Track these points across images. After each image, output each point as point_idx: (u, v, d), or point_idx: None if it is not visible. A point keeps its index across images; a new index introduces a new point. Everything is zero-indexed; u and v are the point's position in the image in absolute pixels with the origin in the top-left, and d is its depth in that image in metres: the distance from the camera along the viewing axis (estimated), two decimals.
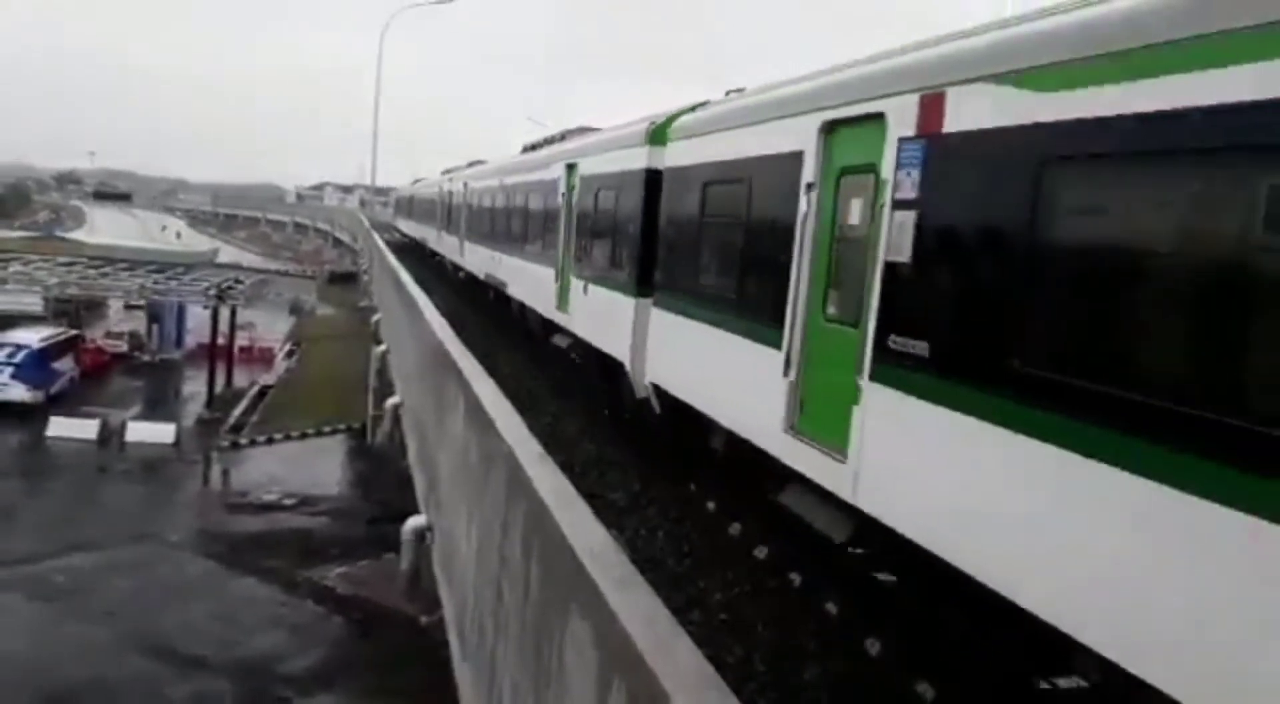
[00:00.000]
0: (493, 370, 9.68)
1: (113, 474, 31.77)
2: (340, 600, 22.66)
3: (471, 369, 8.77)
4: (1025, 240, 4.57)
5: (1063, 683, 5.54)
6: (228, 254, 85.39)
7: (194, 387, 43.07)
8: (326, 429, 36.28)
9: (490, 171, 23.75)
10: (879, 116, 5.87)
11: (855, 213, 6.20)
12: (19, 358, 37.44)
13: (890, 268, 5.59)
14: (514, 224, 18.35)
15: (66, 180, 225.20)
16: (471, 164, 31.21)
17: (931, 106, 5.39)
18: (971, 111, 5.06)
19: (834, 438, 6.08)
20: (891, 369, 5.53)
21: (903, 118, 5.61)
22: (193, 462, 33.56)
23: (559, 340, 14.19)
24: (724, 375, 8.03)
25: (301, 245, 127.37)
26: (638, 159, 10.70)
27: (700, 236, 8.87)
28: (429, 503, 11.91)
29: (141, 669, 19.01)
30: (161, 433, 35.02)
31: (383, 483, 27.20)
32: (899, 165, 5.60)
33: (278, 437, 35.65)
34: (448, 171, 35.91)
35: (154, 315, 49.01)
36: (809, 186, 6.73)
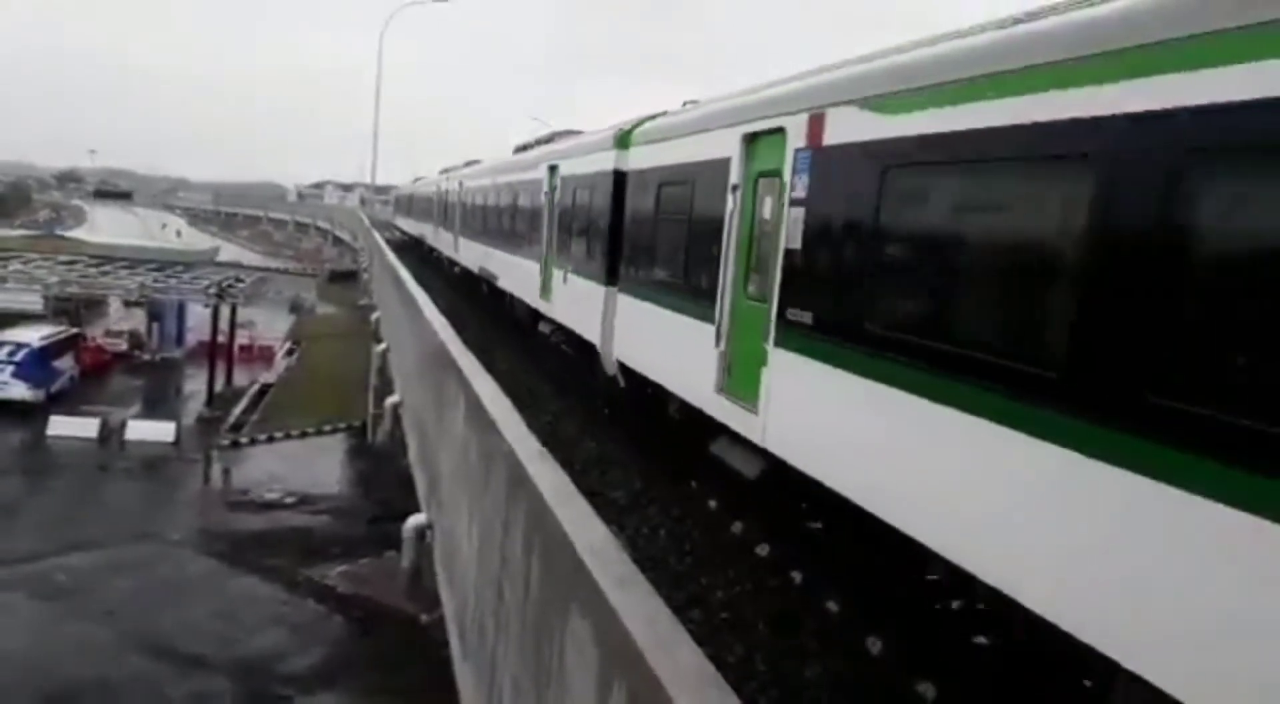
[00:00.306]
0: (491, 368, 9.68)
1: (113, 473, 31.78)
2: (341, 599, 22.67)
3: (471, 367, 8.76)
4: (872, 230, 5.91)
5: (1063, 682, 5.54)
6: (229, 252, 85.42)
7: (194, 385, 43.09)
8: (327, 428, 36.31)
9: (483, 171, 25.13)
10: (781, 131, 7.18)
11: (767, 209, 7.49)
12: (19, 356, 37.44)
13: (788, 254, 6.90)
14: (504, 221, 19.66)
15: (67, 179, 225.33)
16: (468, 164, 32.20)
17: (816, 124, 6.70)
18: (842, 129, 6.38)
19: (749, 395, 7.45)
20: (788, 335, 6.85)
21: (797, 132, 6.93)
22: (193, 460, 33.58)
23: (544, 327, 15.56)
24: (673, 350, 9.28)
25: (302, 244, 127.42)
26: (607, 162, 11.96)
27: (655, 231, 10.12)
28: (430, 501, 11.91)
29: (142, 668, 19.01)
30: (161, 431, 35.04)
31: (383, 481, 27.23)
32: (794, 170, 6.89)
33: (278, 435, 35.68)
34: (445, 171, 36.83)
35: (154, 314, 49.02)
36: (734, 187, 8.02)
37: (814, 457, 6.50)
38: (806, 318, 6.60)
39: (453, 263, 29.64)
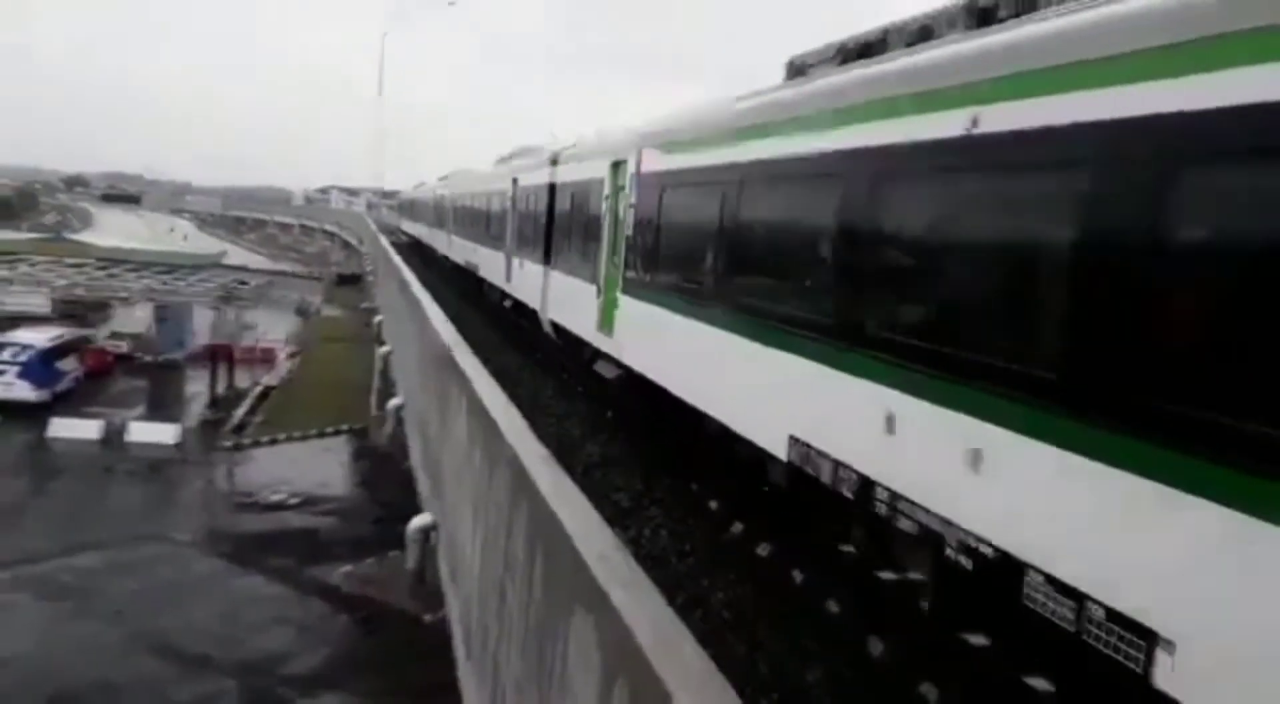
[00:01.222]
0: (494, 372, 9.71)
1: (117, 474, 31.85)
2: (345, 600, 22.69)
3: (475, 371, 8.80)
4: (661, 222, 9.76)
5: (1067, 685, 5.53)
6: (235, 256, 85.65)
7: (197, 387, 43.19)
8: (329, 430, 36.36)
9: (467, 181, 29.59)
10: (625, 161, 11.18)
11: (621, 210, 11.21)
12: (25, 357, 37.60)
13: (628, 238, 10.69)
14: (482, 222, 23.62)
15: (75, 183, 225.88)
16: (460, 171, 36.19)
17: (639, 157, 10.62)
18: (649, 161, 10.33)
19: (611, 328, 11.22)
20: (627, 286, 10.64)
21: (633, 162, 10.82)
22: (196, 462, 33.63)
23: (507, 303, 19.97)
24: (576, 305, 13.05)
25: (308, 248, 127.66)
26: (545, 176, 15.92)
27: (570, 225, 14.05)
28: (433, 503, 11.94)
29: (147, 669, 19.04)
30: (164, 433, 35.13)
31: (387, 483, 27.24)
32: (631, 186, 10.79)
33: (281, 437, 35.73)
34: (443, 178, 40.31)
35: (160, 317, 49.16)
36: (605, 196, 11.91)
37: (641, 360, 10.21)
38: (635, 275, 10.40)
39: (447, 259, 32.79)
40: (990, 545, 4.60)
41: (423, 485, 13.48)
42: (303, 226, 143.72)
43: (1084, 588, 3.99)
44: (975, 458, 4.69)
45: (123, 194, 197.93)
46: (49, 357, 38.90)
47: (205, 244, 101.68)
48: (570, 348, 14.09)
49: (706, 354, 8.23)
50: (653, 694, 3.03)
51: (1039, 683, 5.43)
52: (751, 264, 7.68)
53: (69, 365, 40.88)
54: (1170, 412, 3.65)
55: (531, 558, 5.20)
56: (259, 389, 42.80)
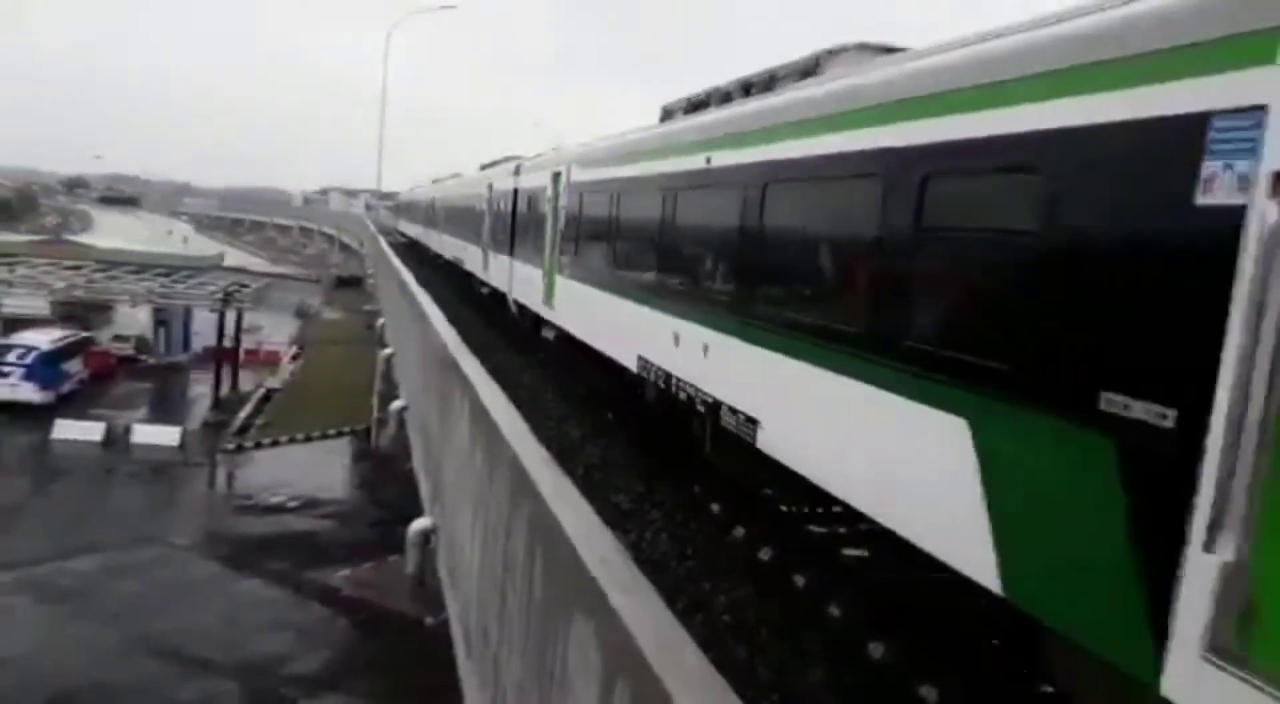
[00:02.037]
0: (495, 374, 9.71)
1: (119, 476, 31.88)
2: (345, 602, 22.70)
3: (476, 373, 8.80)
4: (577, 220, 13.22)
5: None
6: (234, 258, 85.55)
7: (200, 390, 43.20)
8: (331, 432, 36.37)
9: (455, 185, 33.03)
10: (561, 173, 14.46)
11: (559, 211, 14.38)
12: (30, 359, 37.68)
13: (560, 232, 14.08)
14: (465, 222, 26.78)
15: (74, 185, 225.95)
16: (453, 175, 39.08)
17: (568, 170, 14.02)
18: (574, 175, 13.68)
19: (551, 301, 14.56)
20: (560, 269, 13.96)
21: (565, 175, 14.16)
22: (198, 464, 33.66)
23: (483, 289, 23.51)
24: (531, 285, 16.26)
25: (307, 250, 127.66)
26: (510, 183, 19.14)
27: (527, 223, 17.25)
28: (434, 506, 11.94)
29: (147, 671, 19.06)
30: (167, 435, 35.15)
31: (388, 486, 27.28)
32: (563, 193, 14.16)
33: (283, 440, 35.73)
34: (435, 181, 43.49)
35: (160, 319, 49.16)
36: (549, 200, 15.11)
37: (567, 321, 13.70)
38: (564, 260, 13.83)
39: (439, 255, 35.46)
40: (711, 396, 8.20)
41: (424, 488, 13.49)
42: (302, 229, 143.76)
43: (739, 408, 7.60)
44: (706, 350, 8.29)
45: (121, 196, 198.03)
46: (53, 358, 38.99)
47: (204, 246, 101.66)
48: (528, 322, 17.66)
49: (599, 312, 11.88)
50: (653, 697, 3.04)
51: (1046, 687, 5.44)
52: (621, 249, 11.28)
53: (73, 367, 40.96)
54: (771, 314, 7.11)
55: (532, 560, 5.20)
56: (262, 391, 42.82)
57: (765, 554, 8.33)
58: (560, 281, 13.92)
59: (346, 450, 35.40)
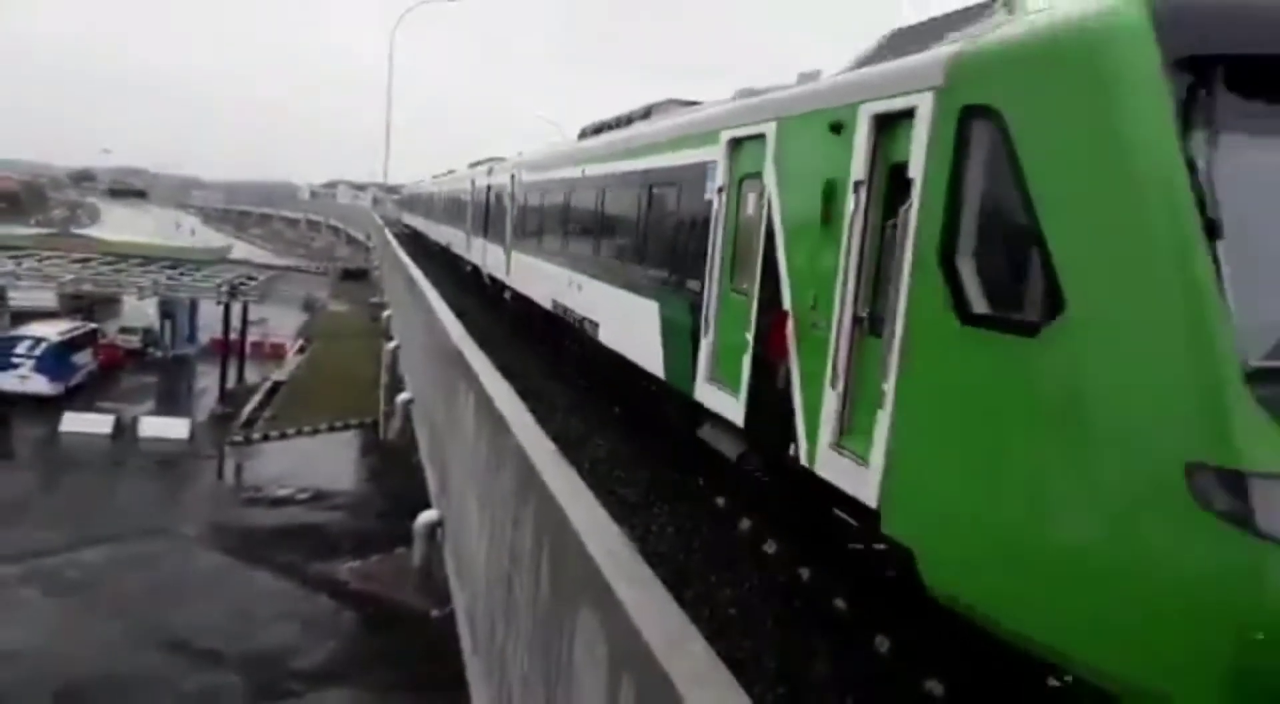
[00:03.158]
0: (501, 367, 9.71)
1: (127, 469, 32.00)
2: (352, 595, 22.77)
3: (482, 366, 8.80)
4: (525, 208, 18.23)
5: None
6: (241, 251, 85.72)
7: (206, 382, 43.31)
8: (339, 425, 36.43)
9: (448, 180, 37.38)
10: (515, 174, 19.38)
11: (515, 203, 19.07)
12: (39, 351, 37.77)
13: (515, 217, 18.99)
14: (455, 212, 31.22)
15: (82, 178, 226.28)
16: (449, 171, 42.95)
17: (519, 171, 19.08)
18: (523, 176, 18.57)
19: (509, 270, 19.34)
20: (516, 246, 18.77)
21: (519, 175, 18.99)
22: (206, 457, 33.76)
23: (465, 267, 27.71)
24: (497, 261, 20.58)
25: (314, 242, 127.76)
26: (486, 180, 23.76)
27: (496, 213, 21.38)
28: (441, 498, 11.95)
29: (154, 663, 19.15)
30: (175, 428, 35.25)
31: (395, 478, 27.30)
32: (518, 190, 18.84)
33: (290, 432, 35.78)
34: (435, 177, 46.69)
35: (167, 312, 49.27)
36: (511, 196, 19.32)
37: (519, 284, 18.13)
38: (517, 239, 18.39)
39: (436, 243, 39.09)
40: (587, 319, 12.39)
41: (431, 480, 13.51)
42: (309, 222, 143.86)
43: (593, 318, 12.12)
44: (583, 290, 12.71)
45: (129, 189, 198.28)
46: (63, 350, 39.09)
47: (211, 239, 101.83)
48: (496, 289, 21.85)
49: (535, 274, 16.60)
50: (660, 690, 3.03)
51: (1053, 682, 5.43)
52: (544, 230, 16.09)
53: (83, 359, 41.07)
54: (601, 263, 12.21)
55: (538, 554, 5.20)
56: (269, 384, 42.91)
57: (771, 547, 8.32)
58: (515, 255, 18.88)
59: (354, 443, 35.46)
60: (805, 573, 7.80)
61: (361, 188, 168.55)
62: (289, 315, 59.73)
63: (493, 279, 22.02)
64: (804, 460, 6.32)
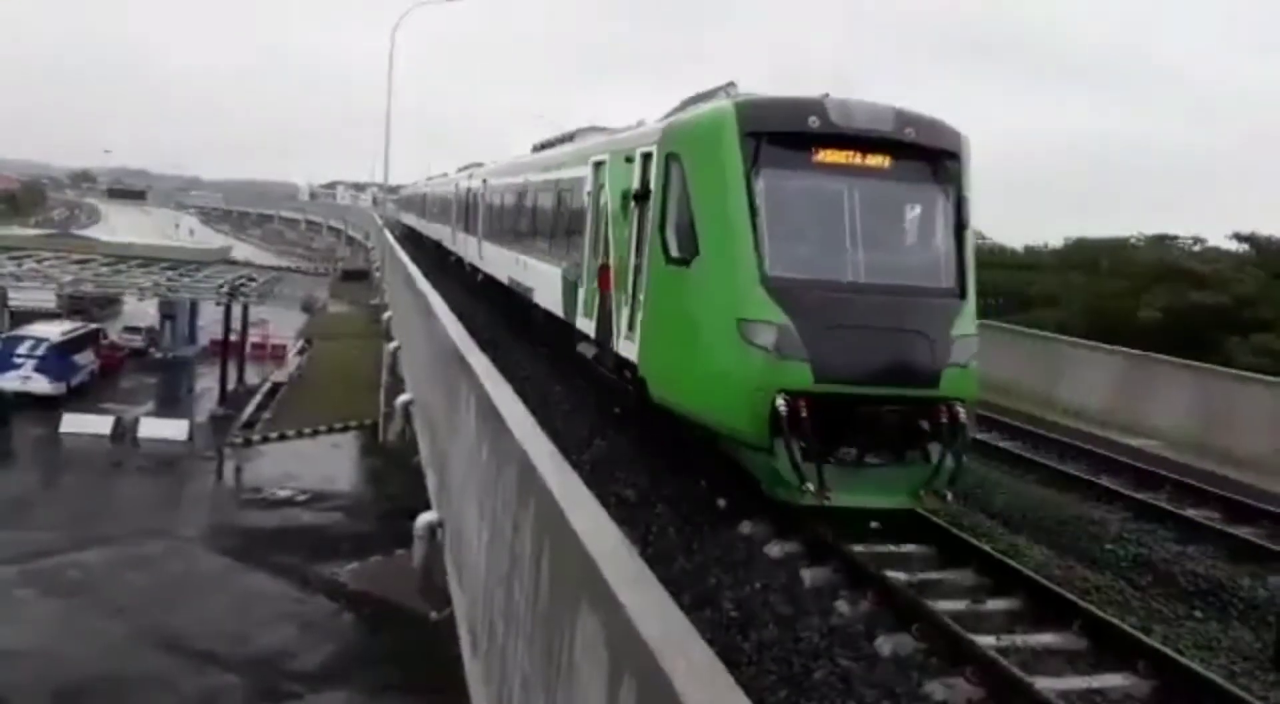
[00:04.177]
0: (503, 369, 9.69)
1: (127, 470, 31.98)
2: (352, 596, 22.75)
3: (483, 367, 8.78)
4: (490, 206, 22.52)
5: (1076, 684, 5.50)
6: (241, 251, 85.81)
7: (206, 383, 43.29)
8: (338, 426, 36.43)
9: (438, 182, 41.18)
10: (486, 178, 23.81)
11: (486, 202, 23.00)
12: (41, 351, 37.74)
13: (485, 213, 23.09)
14: (443, 210, 34.42)
15: (81, 178, 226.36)
16: (442, 174, 45.78)
17: (486, 177, 23.82)
18: (490, 182, 22.98)
19: (481, 257, 23.04)
20: (487, 237, 22.52)
21: (486, 180, 23.70)
22: (206, 458, 33.72)
23: (451, 258, 30.48)
24: (471, 249, 24.90)
25: (314, 243, 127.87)
26: (466, 182, 27.40)
27: (473, 210, 24.69)
28: (440, 500, 11.93)
29: (154, 664, 19.12)
30: (175, 429, 35.20)
31: (395, 479, 27.26)
32: (487, 191, 22.97)
33: (290, 433, 35.78)
34: (429, 179, 49.23)
35: (167, 313, 49.25)
36: (479, 196, 23.92)
37: (488, 268, 21.72)
38: (487, 230, 22.50)
39: (428, 239, 41.12)
40: (528, 288, 16.31)
41: (431, 482, 13.48)
42: (309, 222, 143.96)
43: (530, 286, 16.30)
44: (525, 266, 16.63)
45: (129, 189, 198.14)
46: (64, 350, 39.05)
47: (211, 239, 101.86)
48: (472, 274, 25.10)
49: (498, 258, 19.87)
50: (660, 691, 3.02)
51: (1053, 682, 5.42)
52: (504, 223, 19.69)
53: (84, 359, 41.02)
54: (534, 244, 16.36)
55: (538, 555, 5.18)
56: (269, 385, 42.90)
57: (772, 549, 8.32)
58: (484, 244, 22.58)
59: (354, 444, 35.44)
60: (807, 576, 7.80)
61: (361, 188, 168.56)
62: (289, 316, 59.71)
63: (472, 267, 25.89)
64: (616, 347, 10.33)
